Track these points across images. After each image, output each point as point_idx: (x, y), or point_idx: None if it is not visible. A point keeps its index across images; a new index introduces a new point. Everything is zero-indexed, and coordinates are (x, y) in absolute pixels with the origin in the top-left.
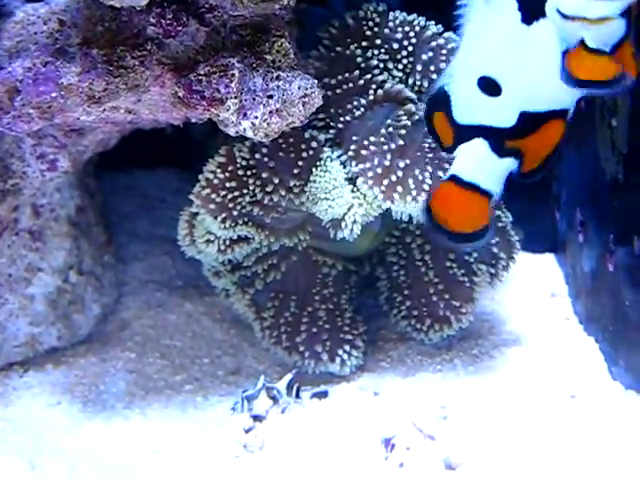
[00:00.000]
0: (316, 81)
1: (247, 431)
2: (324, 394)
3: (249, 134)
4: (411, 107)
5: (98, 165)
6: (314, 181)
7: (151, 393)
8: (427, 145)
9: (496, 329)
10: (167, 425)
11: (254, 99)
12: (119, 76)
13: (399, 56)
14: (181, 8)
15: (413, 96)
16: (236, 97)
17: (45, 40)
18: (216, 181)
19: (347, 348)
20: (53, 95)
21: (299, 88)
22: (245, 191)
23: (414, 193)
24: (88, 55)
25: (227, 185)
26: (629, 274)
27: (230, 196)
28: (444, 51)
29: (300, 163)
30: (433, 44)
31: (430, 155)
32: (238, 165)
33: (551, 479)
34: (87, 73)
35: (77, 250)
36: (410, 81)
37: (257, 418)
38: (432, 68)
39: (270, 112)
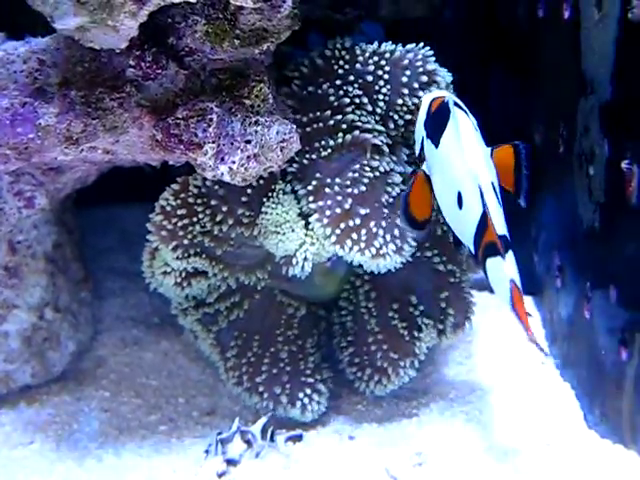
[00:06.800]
0: (294, 126)
1: (220, 475)
2: (299, 437)
3: (226, 178)
4: (375, 163)
5: (76, 201)
6: (265, 213)
7: (125, 433)
8: (385, 200)
9: (472, 373)
10: (140, 467)
11: (232, 144)
12: (97, 118)
13: (377, 87)
14: (161, 51)
15: (380, 143)
16: (214, 142)
17: (24, 79)
18: (169, 208)
19: (308, 392)
20: (30, 136)
21: (277, 133)
22: (195, 219)
23: (362, 245)
24: (67, 96)
25: (178, 213)
26: (605, 322)
27: (181, 224)
28: (418, 63)
29: (249, 191)
30: (405, 62)
31: (386, 211)
32: (190, 193)
33: None
34: (65, 114)
35: (53, 287)
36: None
37: (231, 462)
38: (408, 88)
39: (248, 157)
